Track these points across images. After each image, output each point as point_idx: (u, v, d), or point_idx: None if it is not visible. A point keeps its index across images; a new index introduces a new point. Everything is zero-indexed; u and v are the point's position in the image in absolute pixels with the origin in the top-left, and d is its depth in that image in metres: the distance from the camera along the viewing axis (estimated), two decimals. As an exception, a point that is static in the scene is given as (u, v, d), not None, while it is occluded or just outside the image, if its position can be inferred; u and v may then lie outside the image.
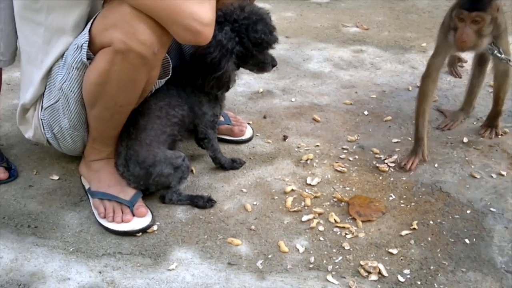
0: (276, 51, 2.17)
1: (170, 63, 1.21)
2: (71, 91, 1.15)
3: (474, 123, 1.58)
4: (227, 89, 1.26)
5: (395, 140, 1.51)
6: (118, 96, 1.12)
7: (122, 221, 1.18)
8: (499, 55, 1.34)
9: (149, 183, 1.22)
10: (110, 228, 1.17)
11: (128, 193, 1.22)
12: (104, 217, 1.19)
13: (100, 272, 1.07)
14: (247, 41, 1.20)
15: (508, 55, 1.37)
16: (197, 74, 1.22)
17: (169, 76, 1.22)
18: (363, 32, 2.28)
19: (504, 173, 1.34)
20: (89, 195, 1.26)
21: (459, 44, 1.29)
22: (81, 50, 1.09)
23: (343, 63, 2.00)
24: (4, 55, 1.26)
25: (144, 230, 1.17)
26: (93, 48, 1.09)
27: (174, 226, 1.20)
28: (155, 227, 1.19)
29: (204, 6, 1.02)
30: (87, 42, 1.08)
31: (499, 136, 1.47)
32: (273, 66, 1.28)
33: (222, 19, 1.19)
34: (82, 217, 1.22)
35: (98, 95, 1.11)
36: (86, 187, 1.28)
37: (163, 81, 1.22)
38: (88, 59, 1.09)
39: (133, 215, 1.19)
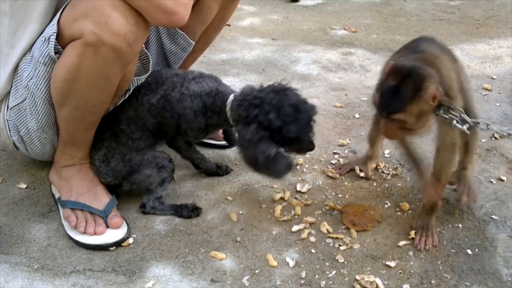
0: (263, 53, 2.14)
1: (150, 58, 1.11)
2: (38, 89, 1.05)
3: (469, 126, 1.52)
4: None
5: (388, 144, 1.43)
6: (89, 94, 1.01)
7: (95, 233, 1.07)
8: (459, 126, 0.96)
9: (127, 180, 1.14)
10: (80, 241, 1.06)
11: (101, 201, 1.12)
12: (75, 227, 1.08)
13: (67, 292, 0.96)
14: (280, 139, 1.05)
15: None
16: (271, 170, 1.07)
17: (148, 73, 1.12)
18: (351, 34, 2.23)
19: (504, 178, 1.28)
20: (59, 205, 1.15)
21: (388, 138, 1.08)
22: (48, 43, 0.99)
23: (331, 66, 1.93)
24: None
25: (118, 244, 1.06)
26: (62, 41, 0.99)
27: (152, 239, 1.09)
28: (130, 240, 1.08)
29: None
30: (55, 34, 0.97)
31: (435, 246, 1.06)
32: (307, 150, 1.11)
33: (252, 118, 1.04)
34: (50, 230, 1.11)
35: (67, 93, 1.01)
36: (56, 196, 1.17)
37: (142, 78, 1.12)
38: (56, 53, 0.99)
39: (107, 226, 1.09)
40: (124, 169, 1.13)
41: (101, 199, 1.12)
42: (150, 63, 1.12)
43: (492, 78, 1.80)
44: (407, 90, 0.93)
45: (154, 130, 1.16)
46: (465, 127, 0.97)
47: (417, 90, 0.93)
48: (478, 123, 0.99)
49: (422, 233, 1.08)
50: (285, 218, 1.15)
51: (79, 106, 1.03)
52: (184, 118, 1.13)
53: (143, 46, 1.08)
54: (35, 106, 1.07)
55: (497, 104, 1.61)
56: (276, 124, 1.03)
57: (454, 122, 0.97)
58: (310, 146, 1.11)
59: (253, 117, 1.04)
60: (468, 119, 0.97)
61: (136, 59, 1.05)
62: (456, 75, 1.04)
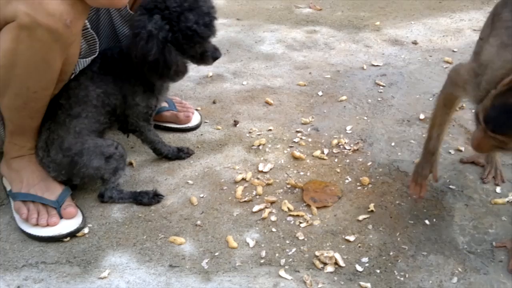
0: (227, 34, 2.09)
1: (97, 40, 1.06)
2: (-25, 78, 0.99)
3: (430, 99, 1.53)
4: (182, 77, 1.13)
5: (350, 120, 1.43)
6: (29, 80, 0.96)
7: (48, 225, 1.03)
8: None
9: (73, 173, 1.08)
10: (32, 234, 1.03)
11: (54, 191, 1.08)
12: (27, 219, 1.03)
13: (18, 287, 0.92)
14: (177, 31, 1.03)
15: None
16: (150, 74, 1.07)
17: (95, 55, 1.07)
18: (316, 12, 2.20)
19: (462, 148, 1.29)
20: (10, 198, 1.10)
21: (475, 150, 0.92)
22: (-19, 28, 0.93)
23: (296, 44, 1.90)
24: None
25: (72, 234, 1.03)
26: None
27: (108, 228, 1.06)
28: (86, 230, 1.05)
29: None
30: None
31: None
32: (214, 58, 1.12)
33: (152, 5, 1.03)
34: (1, 224, 1.07)
35: (6, 80, 0.96)
36: (8, 189, 1.12)
37: (88, 60, 1.07)
38: None
39: (61, 217, 1.05)
40: (64, 161, 1.06)
41: (54, 189, 1.08)
42: (97, 44, 1.07)
43: (453, 51, 1.80)
44: None
45: (98, 105, 1.09)
46: None
47: None
48: None
49: (415, 178, 1.10)
50: (246, 198, 1.14)
51: (20, 93, 0.98)
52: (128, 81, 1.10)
53: (89, 26, 1.03)
54: (-25, 96, 1.02)
55: (458, 76, 1.61)
56: (176, 10, 1.00)
57: None
58: (215, 54, 1.10)
59: (151, 2, 1.01)
60: None
61: (78, 42, 1.00)
62: None
